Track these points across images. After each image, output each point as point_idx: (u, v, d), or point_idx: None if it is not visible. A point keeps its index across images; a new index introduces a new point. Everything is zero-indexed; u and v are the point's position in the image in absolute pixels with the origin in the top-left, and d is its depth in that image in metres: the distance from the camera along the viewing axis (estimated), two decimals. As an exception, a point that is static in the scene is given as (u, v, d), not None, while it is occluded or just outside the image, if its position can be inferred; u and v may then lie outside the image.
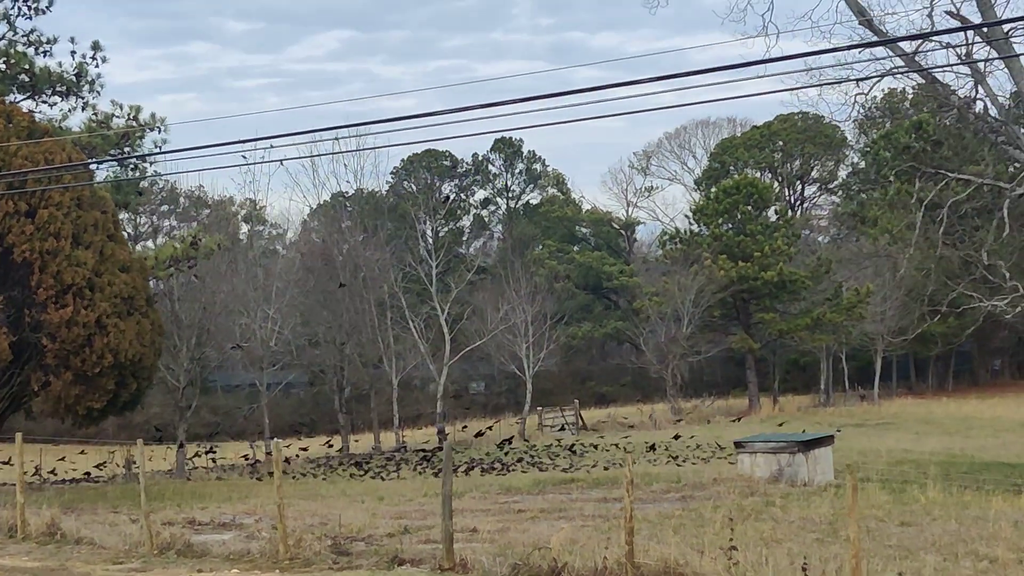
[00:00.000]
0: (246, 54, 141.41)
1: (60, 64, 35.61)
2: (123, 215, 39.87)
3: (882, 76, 26.57)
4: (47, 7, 35.34)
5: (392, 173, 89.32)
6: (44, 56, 35.33)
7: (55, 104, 35.64)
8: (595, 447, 40.26)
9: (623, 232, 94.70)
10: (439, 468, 33.90)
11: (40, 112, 34.24)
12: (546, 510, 18.97)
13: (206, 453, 43.03)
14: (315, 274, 53.94)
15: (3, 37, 34.91)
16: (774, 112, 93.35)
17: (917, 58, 27.17)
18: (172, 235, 72.94)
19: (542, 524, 16.84)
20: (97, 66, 35.99)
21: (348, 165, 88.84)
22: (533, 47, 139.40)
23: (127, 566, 14.33)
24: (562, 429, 52.42)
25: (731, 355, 70.56)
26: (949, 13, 25.99)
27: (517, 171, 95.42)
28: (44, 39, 35.46)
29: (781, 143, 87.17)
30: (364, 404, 58.24)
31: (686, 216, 73.31)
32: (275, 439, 33.08)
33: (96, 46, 35.90)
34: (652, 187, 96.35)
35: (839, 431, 35.42)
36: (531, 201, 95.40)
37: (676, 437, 41.03)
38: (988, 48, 25.99)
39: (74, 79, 35.49)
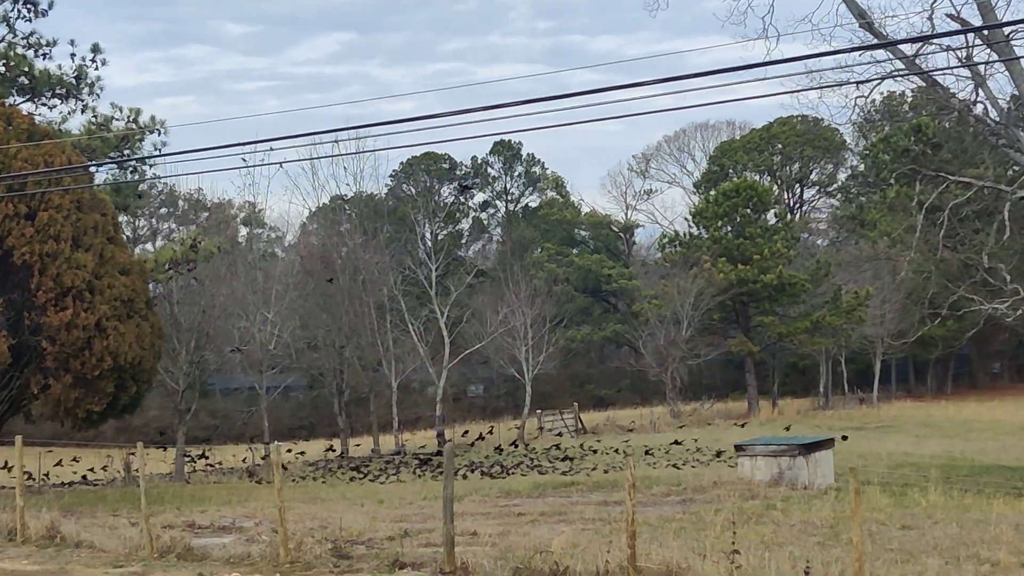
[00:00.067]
0: (245, 57, 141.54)
1: (60, 67, 35.69)
2: (122, 218, 39.82)
3: (882, 79, 26.53)
4: (47, 10, 35.39)
5: (391, 176, 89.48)
6: (44, 59, 35.41)
7: (55, 107, 35.73)
8: (594, 451, 40.23)
9: (622, 235, 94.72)
10: (438, 471, 33.94)
11: (40, 115, 34.30)
12: (546, 513, 18.95)
13: (200, 457, 43.01)
14: (314, 277, 53.90)
15: (3, 40, 34.93)
16: (773, 115, 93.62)
17: (917, 61, 27.17)
18: (171, 238, 72.98)
19: (543, 527, 16.83)
20: (97, 69, 36.08)
21: (347, 168, 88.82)
22: (532, 50, 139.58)
23: (127, 570, 14.28)
24: (559, 435, 52.41)
25: (730, 358, 70.55)
26: (950, 16, 25.97)
27: (516, 174, 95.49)
28: (44, 42, 35.52)
29: (780, 146, 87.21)
30: (363, 407, 58.20)
31: (685, 219, 73.47)
32: (275, 442, 33.05)
33: (96, 49, 35.98)
34: (651, 190, 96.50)
35: (845, 438, 35.36)
36: (530, 204, 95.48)
37: (675, 443, 40.80)
38: (988, 51, 25.98)
39: (74, 82, 35.52)
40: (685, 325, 59.95)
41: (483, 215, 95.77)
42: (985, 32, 25.05)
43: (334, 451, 47.83)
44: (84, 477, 37.12)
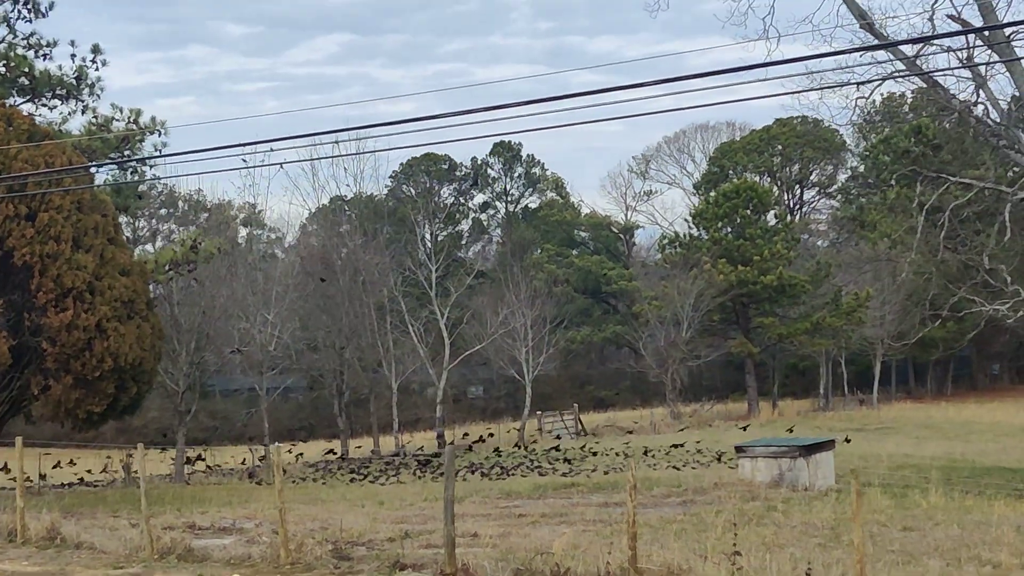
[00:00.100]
0: (245, 57, 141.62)
1: (60, 67, 35.69)
2: (122, 219, 39.78)
3: (883, 80, 26.52)
4: (47, 10, 35.38)
5: (391, 177, 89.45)
6: (44, 59, 35.41)
7: (55, 107, 35.72)
8: (594, 452, 40.20)
9: (622, 236, 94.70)
10: (438, 472, 33.93)
11: (40, 115, 34.29)
12: (547, 515, 18.95)
13: (197, 459, 42.97)
14: (314, 278, 53.87)
15: (3, 40, 34.92)
16: (773, 116, 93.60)
17: (918, 62, 27.15)
18: (171, 239, 72.94)
19: (543, 529, 16.82)
20: (97, 69, 36.06)
21: (348, 169, 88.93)
22: (532, 51, 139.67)
23: (128, 571, 14.27)
24: (559, 436, 52.38)
25: (730, 359, 70.51)
26: (950, 17, 25.95)
27: (516, 175, 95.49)
28: (44, 42, 35.52)
29: (780, 147, 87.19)
30: (363, 408, 58.17)
31: (685, 220, 73.42)
32: (276, 443, 33.03)
33: (96, 49, 35.96)
34: (651, 191, 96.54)
35: (848, 440, 35.34)
36: (530, 205, 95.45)
37: (675, 446, 40.65)
38: (989, 52, 25.97)
39: (74, 82, 35.51)
40: (685, 326, 59.92)
41: (483, 216, 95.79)
42: (986, 33, 25.02)
43: (334, 453, 47.81)
44: (81, 479, 37.06)
